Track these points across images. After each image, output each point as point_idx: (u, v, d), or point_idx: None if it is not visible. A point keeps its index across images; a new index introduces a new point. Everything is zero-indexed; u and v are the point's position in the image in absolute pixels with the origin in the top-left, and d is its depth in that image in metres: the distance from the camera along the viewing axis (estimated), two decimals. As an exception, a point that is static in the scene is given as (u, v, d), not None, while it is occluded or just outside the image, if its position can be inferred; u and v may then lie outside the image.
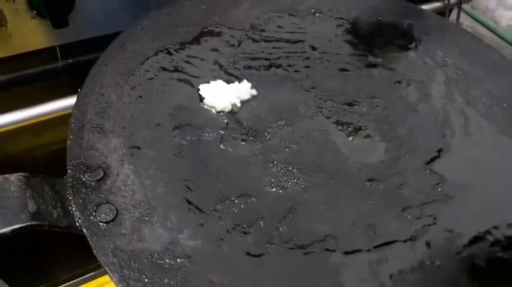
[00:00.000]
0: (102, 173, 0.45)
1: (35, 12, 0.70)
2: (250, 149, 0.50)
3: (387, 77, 0.60)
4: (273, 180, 0.48)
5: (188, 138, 0.49)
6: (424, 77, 0.60)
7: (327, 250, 0.43)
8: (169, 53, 0.57)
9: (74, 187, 0.43)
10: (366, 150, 0.51)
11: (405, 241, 0.45)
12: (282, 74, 0.57)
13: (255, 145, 0.50)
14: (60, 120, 0.72)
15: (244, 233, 0.43)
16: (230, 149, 0.49)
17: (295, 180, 0.48)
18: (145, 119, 0.50)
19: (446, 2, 0.98)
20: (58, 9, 0.69)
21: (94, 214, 0.42)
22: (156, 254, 0.40)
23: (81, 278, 0.84)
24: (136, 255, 0.40)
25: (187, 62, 0.57)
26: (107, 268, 0.39)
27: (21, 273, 0.80)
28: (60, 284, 0.83)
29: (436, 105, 0.57)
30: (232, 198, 0.45)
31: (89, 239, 0.40)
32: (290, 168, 0.49)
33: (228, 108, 0.52)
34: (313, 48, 0.61)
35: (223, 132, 0.51)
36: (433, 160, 0.51)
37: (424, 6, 0.90)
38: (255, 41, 0.61)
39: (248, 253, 0.42)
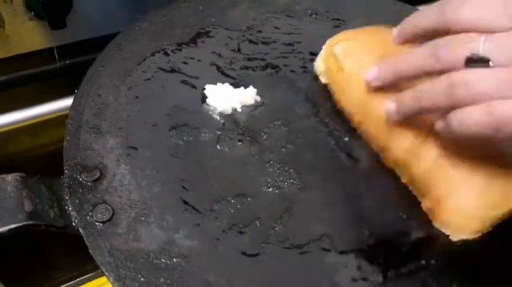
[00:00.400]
0: (98, 174, 0.45)
1: (32, 13, 0.70)
2: (247, 149, 0.50)
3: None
4: (269, 180, 0.48)
5: (185, 138, 0.50)
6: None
7: (323, 249, 0.43)
8: (167, 54, 0.57)
9: (71, 187, 0.44)
10: (363, 151, 0.51)
11: (400, 241, 0.45)
12: (278, 74, 0.58)
13: (252, 145, 0.50)
14: (57, 121, 0.72)
15: (241, 233, 0.44)
16: (227, 149, 0.50)
17: (291, 180, 0.48)
18: (142, 119, 0.51)
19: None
20: (56, 11, 0.69)
21: (90, 213, 0.42)
22: (152, 254, 0.41)
23: (79, 279, 0.84)
24: (133, 255, 0.40)
25: (184, 62, 0.57)
26: (103, 268, 0.39)
27: (18, 275, 0.81)
28: (58, 286, 0.84)
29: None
30: (229, 198, 0.46)
31: (85, 239, 0.40)
32: (286, 168, 0.49)
33: (228, 111, 0.53)
34: (310, 49, 0.61)
35: (219, 132, 0.51)
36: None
37: (420, 7, 0.90)
38: (251, 41, 0.61)
39: (244, 253, 0.42)
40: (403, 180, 0.48)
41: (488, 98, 0.38)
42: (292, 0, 0.67)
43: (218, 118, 0.52)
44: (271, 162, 0.49)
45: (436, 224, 0.45)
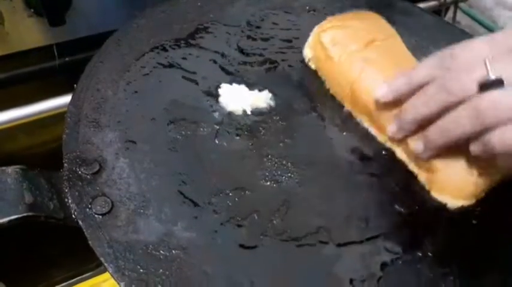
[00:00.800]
0: (97, 167, 0.45)
1: (32, 10, 0.70)
2: (245, 143, 0.50)
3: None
4: (267, 174, 0.48)
5: (183, 132, 0.50)
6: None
7: (320, 242, 0.44)
8: (165, 50, 0.58)
9: (70, 179, 0.44)
10: (359, 144, 0.52)
11: (397, 233, 0.45)
12: (276, 70, 0.58)
13: (250, 140, 0.51)
14: (57, 118, 0.72)
15: (238, 225, 0.44)
16: (225, 143, 0.50)
17: (289, 174, 0.48)
18: (141, 113, 0.51)
19: (442, 0, 0.99)
20: (55, 8, 0.69)
21: (90, 206, 0.42)
22: (151, 246, 0.41)
23: (77, 278, 0.84)
24: (132, 246, 0.41)
25: (182, 58, 0.57)
26: (102, 259, 0.39)
27: (18, 273, 0.81)
28: (57, 284, 0.84)
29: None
30: (227, 191, 0.46)
31: (84, 230, 0.41)
32: (284, 162, 0.49)
33: (238, 112, 0.53)
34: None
35: (218, 127, 0.51)
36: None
37: (420, 5, 0.91)
38: (250, 37, 0.61)
39: (242, 245, 0.43)
40: (401, 156, 0.50)
41: None
42: (290, -4, 0.68)
43: (216, 113, 0.52)
44: (269, 156, 0.49)
45: (434, 194, 0.47)
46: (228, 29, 0.62)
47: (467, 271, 0.44)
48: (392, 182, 0.49)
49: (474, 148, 0.43)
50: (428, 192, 0.48)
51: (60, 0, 0.69)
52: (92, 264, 0.82)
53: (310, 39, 0.57)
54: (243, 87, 0.55)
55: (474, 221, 0.46)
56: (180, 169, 0.47)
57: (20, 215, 0.40)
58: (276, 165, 0.49)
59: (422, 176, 0.49)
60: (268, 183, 0.47)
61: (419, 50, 0.56)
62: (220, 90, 0.54)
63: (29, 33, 0.73)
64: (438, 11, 0.99)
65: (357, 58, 0.53)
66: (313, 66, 0.58)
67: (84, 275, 0.84)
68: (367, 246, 0.44)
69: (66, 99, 0.71)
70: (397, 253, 0.44)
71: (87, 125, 0.49)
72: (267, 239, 0.43)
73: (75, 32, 0.75)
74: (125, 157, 0.47)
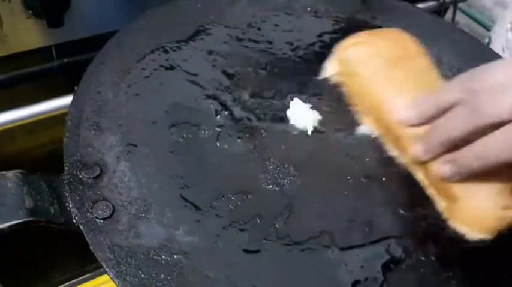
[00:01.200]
0: (98, 170, 0.45)
1: (30, 12, 0.70)
2: (247, 146, 0.50)
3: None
4: (269, 177, 0.48)
5: (184, 136, 0.50)
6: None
7: (323, 246, 0.44)
8: (166, 52, 0.57)
9: (71, 183, 0.43)
10: (362, 147, 0.52)
11: (400, 237, 0.45)
12: (277, 72, 0.58)
13: (251, 143, 0.50)
14: (55, 119, 0.72)
15: (241, 229, 0.44)
16: (226, 146, 0.50)
17: (291, 177, 0.48)
18: (142, 116, 0.51)
19: (441, 0, 0.98)
20: (53, 9, 0.69)
21: (91, 210, 0.42)
22: (152, 250, 0.41)
23: (78, 279, 0.84)
24: (133, 251, 0.40)
25: (183, 60, 0.57)
26: (103, 264, 0.39)
27: (17, 275, 0.80)
28: (57, 286, 0.83)
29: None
30: (229, 195, 0.46)
31: (85, 235, 0.40)
32: (286, 165, 0.49)
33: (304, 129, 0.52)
34: (310, 47, 0.61)
35: (219, 130, 0.51)
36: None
37: (420, 5, 0.91)
38: (251, 39, 0.61)
39: (244, 249, 0.42)
40: (419, 178, 0.48)
41: None
42: (291, -3, 0.67)
43: (217, 116, 0.52)
44: (271, 159, 0.49)
45: (452, 223, 0.46)
46: (229, 31, 0.61)
47: (471, 275, 0.43)
48: (396, 186, 0.48)
49: None
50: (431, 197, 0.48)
51: (59, 1, 0.69)
52: (91, 265, 0.82)
53: (335, 55, 0.56)
54: (308, 106, 0.54)
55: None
56: (182, 172, 0.47)
57: (20, 221, 0.39)
58: (278, 168, 0.48)
59: (441, 204, 0.47)
60: (271, 186, 0.47)
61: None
62: (291, 103, 0.53)
63: (28, 34, 0.72)
64: (438, 11, 0.99)
65: (381, 76, 0.51)
66: (334, 81, 0.56)
67: (84, 276, 0.84)
68: (370, 250, 0.44)
69: (65, 100, 0.71)
70: (401, 257, 0.44)
71: (87, 128, 0.48)
72: (270, 243, 0.43)
73: (73, 34, 0.75)
74: (126, 160, 0.46)
